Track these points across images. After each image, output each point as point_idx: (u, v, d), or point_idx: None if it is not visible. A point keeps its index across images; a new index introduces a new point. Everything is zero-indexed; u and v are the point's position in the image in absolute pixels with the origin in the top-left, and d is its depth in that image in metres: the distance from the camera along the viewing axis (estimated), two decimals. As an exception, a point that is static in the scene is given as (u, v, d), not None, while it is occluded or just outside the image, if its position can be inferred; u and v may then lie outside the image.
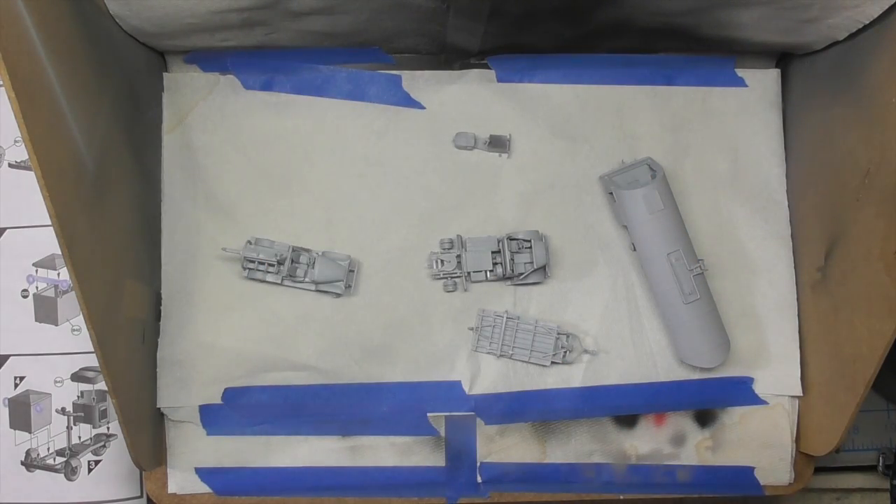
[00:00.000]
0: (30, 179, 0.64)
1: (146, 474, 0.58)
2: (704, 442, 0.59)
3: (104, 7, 0.50)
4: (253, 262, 0.56)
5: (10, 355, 0.63)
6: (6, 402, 0.63)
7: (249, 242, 0.57)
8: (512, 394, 0.58)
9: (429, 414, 0.58)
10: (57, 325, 0.64)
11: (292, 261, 0.57)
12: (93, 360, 0.60)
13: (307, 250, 0.58)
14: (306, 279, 0.57)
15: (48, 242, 0.63)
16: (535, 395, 0.58)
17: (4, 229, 0.64)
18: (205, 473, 0.58)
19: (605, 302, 0.59)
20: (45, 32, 0.42)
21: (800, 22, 0.52)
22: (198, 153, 0.58)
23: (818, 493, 0.66)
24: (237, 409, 0.58)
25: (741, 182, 0.60)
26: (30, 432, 0.63)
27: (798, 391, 0.59)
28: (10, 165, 0.65)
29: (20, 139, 0.64)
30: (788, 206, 0.60)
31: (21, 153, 0.65)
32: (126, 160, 0.53)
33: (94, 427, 0.64)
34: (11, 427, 0.63)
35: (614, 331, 0.59)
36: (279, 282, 0.57)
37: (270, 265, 0.56)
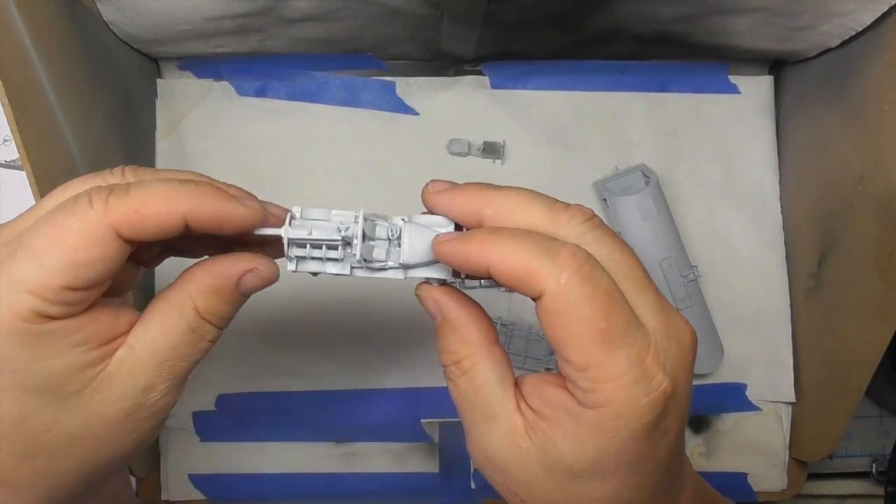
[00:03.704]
0: (21, 179, 0.64)
1: (140, 481, 0.58)
2: (698, 448, 0.59)
3: (98, 14, 0.50)
4: (304, 246, 0.35)
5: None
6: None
7: (294, 218, 0.35)
8: (506, 400, 0.58)
9: (423, 420, 0.58)
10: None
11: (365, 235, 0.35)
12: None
13: (381, 218, 0.36)
14: (389, 262, 0.36)
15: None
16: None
17: (-4, 229, 0.64)
18: (198, 480, 0.58)
19: (599, 308, 0.59)
20: (39, 39, 0.42)
21: (792, 29, 0.53)
22: (192, 159, 0.58)
23: (811, 499, 0.66)
24: (231, 416, 0.57)
25: (734, 188, 0.60)
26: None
27: (791, 397, 0.59)
28: (0, 165, 0.64)
29: (9, 138, 0.63)
30: (782, 212, 0.60)
31: (10, 152, 0.64)
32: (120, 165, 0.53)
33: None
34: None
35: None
36: (348, 272, 0.36)
37: (332, 248, 0.35)
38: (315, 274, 0.36)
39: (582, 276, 0.29)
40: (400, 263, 0.35)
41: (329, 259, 0.35)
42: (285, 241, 0.34)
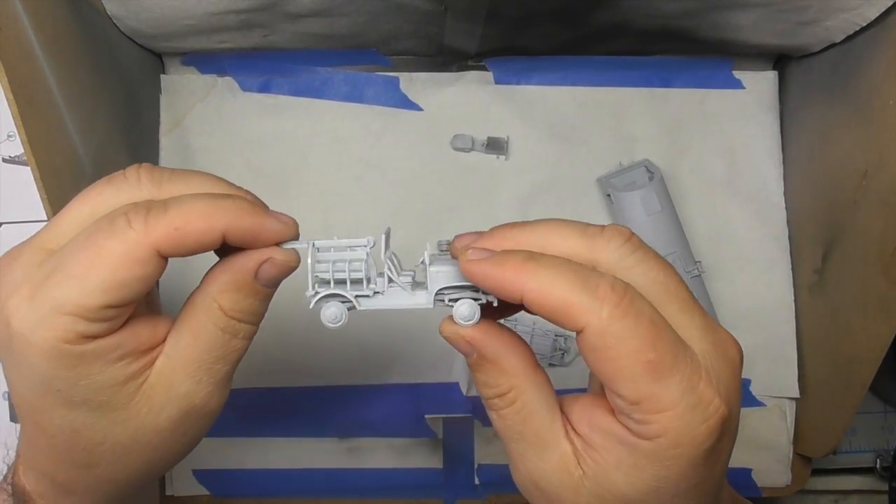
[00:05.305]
0: (25, 174, 0.64)
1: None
2: (702, 444, 0.59)
3: (102, 8, 0.50)
4: (328, 283, 0.35)
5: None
6: (6, 395, 0.63)
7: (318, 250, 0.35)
8: (509, 395, 0.58)
9: (426, 416, 0.58)
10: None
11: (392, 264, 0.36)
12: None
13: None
14: (416, 277, 0.36)
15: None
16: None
17: (0, 224, 0.64)
18: (202, 475, 0.58)
19: (603, 304, 0.59)
20: (42, 34, 0.42)
21: (797, 24, 0.52)
22: (195, 155, 0.58)
23: (815, 494, 0.66)
24: (235, 412, 0.57)
25: (738, 184, 0.60)
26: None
27: (795, 393, 0.59)
28: (5, 160, 0.65)
29: (13, 134, 0.64)
30: (786, 207, 0.60)
31: (15, 148, 0.65)
32: (123, 161, 0.53)
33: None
34: (12, 420, 0.63)
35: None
36: (371, 294, 0.35)
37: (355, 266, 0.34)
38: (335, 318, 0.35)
39: (623, 309, 0.28)
40: (428, 275, 0.34)
41: (353, 280, 0.34)
42: (310, 252, 0.34)
